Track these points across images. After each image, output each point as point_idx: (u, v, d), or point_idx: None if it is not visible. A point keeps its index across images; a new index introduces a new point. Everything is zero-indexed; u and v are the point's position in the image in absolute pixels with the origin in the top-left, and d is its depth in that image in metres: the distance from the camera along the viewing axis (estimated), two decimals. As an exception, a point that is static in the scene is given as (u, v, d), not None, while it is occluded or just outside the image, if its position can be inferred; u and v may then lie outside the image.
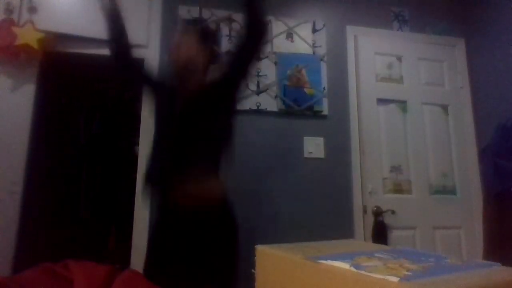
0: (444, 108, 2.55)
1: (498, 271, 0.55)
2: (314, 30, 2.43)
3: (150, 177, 1.44)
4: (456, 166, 2.47)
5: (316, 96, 2.33)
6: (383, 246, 0.75)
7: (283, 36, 2.37)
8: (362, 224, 2.23)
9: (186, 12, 2.26)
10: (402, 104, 2.47)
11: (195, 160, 1.39)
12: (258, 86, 2.27)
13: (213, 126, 1.45)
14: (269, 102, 2.27)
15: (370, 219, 2.24)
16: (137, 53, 2.17)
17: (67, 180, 2.95)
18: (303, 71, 2.34)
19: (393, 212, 2.25)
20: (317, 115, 2.32)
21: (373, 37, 2.54)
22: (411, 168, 2.41)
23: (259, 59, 2.09)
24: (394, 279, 0.46)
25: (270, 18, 2.37)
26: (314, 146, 2.28)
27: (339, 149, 2.31)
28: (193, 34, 1.55)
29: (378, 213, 2.22)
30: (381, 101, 2.45)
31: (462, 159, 2.49)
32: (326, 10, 2.50)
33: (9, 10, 1.99)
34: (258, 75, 2.29)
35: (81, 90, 3.13)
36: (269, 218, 2.15)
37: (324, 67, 2.38)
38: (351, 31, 2.49)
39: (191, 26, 1.78)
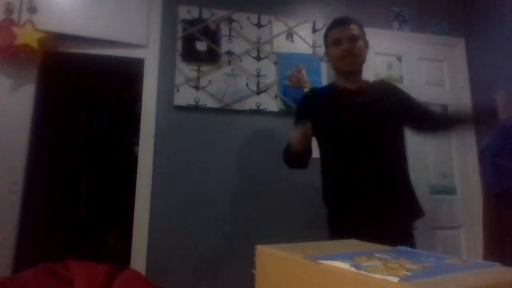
0: (444, 108, 2.55)
1: (498, 271, 0.54)
2: (314, 30, 2.43)
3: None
4: (456, 166, 2.47)
5: (316, 96, 2.32)
6: (383, 246, 0.75)
7: (283, 36, 2.37)
8: (362, 224, 2.22)
9: (186, 12, 2.26)
10: (402, 104, 2.47)
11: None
12: (258, 86, 2.28)
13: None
14: (269, 102, 2.27)
15: (370, 219, 2.23)
16: (137, 53, 2.20)
17: (67, 180, 2.95)
18: (303, 71, 2.34)
19: (393, 212, 2.25)
20: (317, 115, 2.32)
21: (373, 37, 2.52)
22: (411, 168, 2.39)
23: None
24: (394, 279, 0.46)
25: (270, 18, 2.38)
26: (314, 146, 2.27)
27: (339, 149, 2.30)
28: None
29: (378, 213, 2.22)
30: (381, 101, 2.45)
31: (462, 159, 2.48)
32: (326, 10, 2.50)
33: (9, 10, 1.98)
34: (258, 75, 2.29)
35: (81, 90, 3.14)
36: (269, 218, 2.15)
37: (324, 67, 2.38)
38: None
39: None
